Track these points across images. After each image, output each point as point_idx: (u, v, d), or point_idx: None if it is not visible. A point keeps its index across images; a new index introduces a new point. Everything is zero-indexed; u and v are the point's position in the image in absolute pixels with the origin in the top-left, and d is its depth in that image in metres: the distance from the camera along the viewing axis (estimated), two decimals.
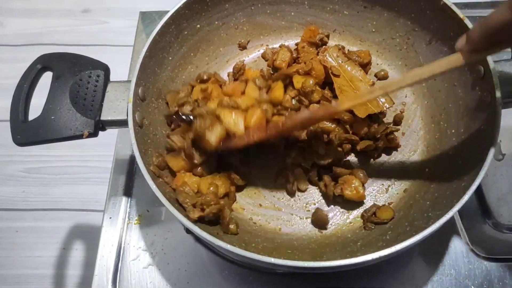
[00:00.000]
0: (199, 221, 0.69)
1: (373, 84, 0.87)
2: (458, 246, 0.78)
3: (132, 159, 0.90)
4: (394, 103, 0.82)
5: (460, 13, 0.75)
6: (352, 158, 0.83)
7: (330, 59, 0.85)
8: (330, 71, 0.84)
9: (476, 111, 0.73)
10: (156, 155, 0.74)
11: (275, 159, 0.82)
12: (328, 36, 0.92)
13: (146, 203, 0.85)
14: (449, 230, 0.79)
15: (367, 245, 0.70)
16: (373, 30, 0.91)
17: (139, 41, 1.04)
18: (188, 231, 0.80)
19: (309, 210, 0.79)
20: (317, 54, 0.90)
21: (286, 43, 0.95)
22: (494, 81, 0.68)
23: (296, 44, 0.93)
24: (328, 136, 0.81)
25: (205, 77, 0.86)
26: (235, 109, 0.75)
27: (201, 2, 0.84)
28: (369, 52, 0.89)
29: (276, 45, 0.95)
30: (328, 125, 0.81)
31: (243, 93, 0.84)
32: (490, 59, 0.69)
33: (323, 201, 0.80)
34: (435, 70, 0.60)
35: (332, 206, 0.79)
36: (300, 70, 0.84)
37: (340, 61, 0.85)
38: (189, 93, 0.83)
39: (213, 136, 0.71)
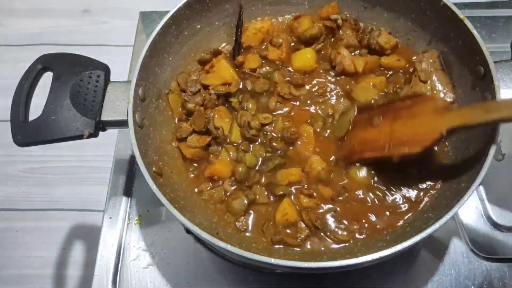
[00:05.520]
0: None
1: (454, 102, 0.79)
2: (458, 246, 0.78)
3: (132, 159, 0.90)
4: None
5: (460, 13, 0.75)
6: None
7: (424, 63, 0.81)
8: (417, 74, 0.80)
9: None
10: (160, 164, 0.74)
11: None
12: (346, 20, 0.89)
13: (146, 203, 0.85)
14: (449, 230, 0.79)
15: (367, 245, 0.70)
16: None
17: (139, 41, 1.04)
18: (188, 231, 0.80)
19: None
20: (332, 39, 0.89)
21: None
22: (494, 82, 0.68)
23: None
24: None
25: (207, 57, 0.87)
26: None
27: (201, 3, 0.84)
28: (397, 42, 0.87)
29: None
30: None
31: None
32: (490, 59, 0.69)
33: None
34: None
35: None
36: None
37: (431, 69, 0.81)
38: (199, 74, 0.85)
39: None
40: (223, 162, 0.77)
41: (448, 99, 0.78)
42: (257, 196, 0.75)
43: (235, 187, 0.76)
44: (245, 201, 0.74)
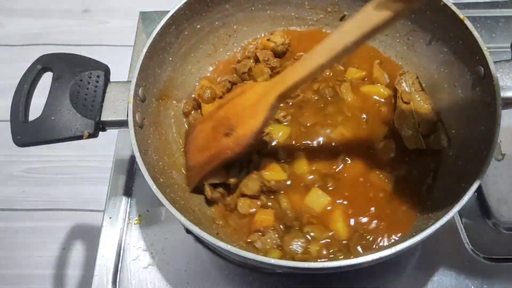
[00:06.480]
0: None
1: (438, 121, 0.80)
2: (458, 246, 0.78)
3: (132, 159, 0.90)
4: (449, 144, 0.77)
5: (460, 13, 0.75)
6: None
7: (404, 84, 0.82)
8: (399, 96, 0.80)
9: (476, 111, 0.73)
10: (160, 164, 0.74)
11: None
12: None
13: (146, 203, 0.85)
14: (449, 230, 0.79)
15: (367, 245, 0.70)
16: None
17: (139, 41, 1.04)
18: (188, 231, 0.80)
19: None
20: None
21: None
22: (494, 82, 0.68)
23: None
24: None
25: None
26: None
27: (201, 3, 0.84)
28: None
29: None
30: None
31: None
32: (490, 59, 0.69)
33: None
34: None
35: None
36: None
37: (413, 89, 0.81)
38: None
39: None
40: (261, 212, 0.74)
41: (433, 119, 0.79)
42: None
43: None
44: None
